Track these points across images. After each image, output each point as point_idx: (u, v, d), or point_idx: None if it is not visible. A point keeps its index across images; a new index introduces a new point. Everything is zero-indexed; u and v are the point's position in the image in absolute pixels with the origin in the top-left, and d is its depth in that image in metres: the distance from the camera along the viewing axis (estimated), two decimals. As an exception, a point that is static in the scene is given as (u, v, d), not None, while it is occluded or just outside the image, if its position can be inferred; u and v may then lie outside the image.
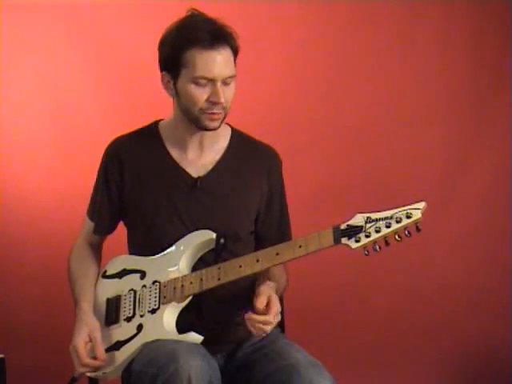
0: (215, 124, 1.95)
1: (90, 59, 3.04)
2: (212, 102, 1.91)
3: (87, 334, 1.96)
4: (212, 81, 1.90)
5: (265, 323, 1.84)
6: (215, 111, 1.92)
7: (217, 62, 1.89)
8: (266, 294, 1.88)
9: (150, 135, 2.07)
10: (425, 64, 3.16)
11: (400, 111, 3.17)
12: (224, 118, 1.97)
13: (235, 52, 1.95)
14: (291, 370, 1.81)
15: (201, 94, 1.90)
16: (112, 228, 2.16)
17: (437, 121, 3.17)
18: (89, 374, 2.02)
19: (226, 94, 1.92)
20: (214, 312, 1.99)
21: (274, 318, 1.85)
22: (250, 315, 1.85)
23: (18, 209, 3.02)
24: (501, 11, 3.13)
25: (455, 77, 3.16)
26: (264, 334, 1.87)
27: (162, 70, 1.97)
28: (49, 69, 3.04)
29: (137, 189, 2.04)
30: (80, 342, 1.95)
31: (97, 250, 2.17)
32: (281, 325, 2.22)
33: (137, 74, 3.02)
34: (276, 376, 1.83)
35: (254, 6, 3.05)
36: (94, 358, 1.95)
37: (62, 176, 3.00)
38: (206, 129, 1.96)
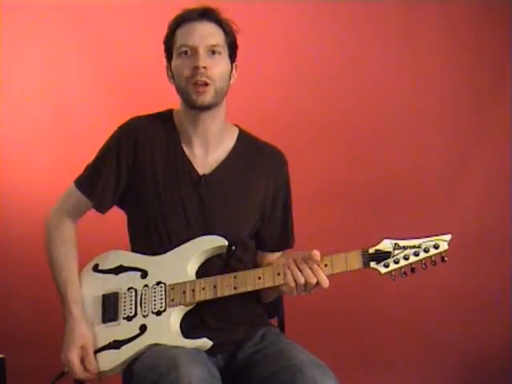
0: (203, 98, 1.94)
1: (91, 59, 3.05)
2: (194, 67, 1.91)
3: (81, 347, 1.96)
4: (195, 49, 1.92)
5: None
6: (198, 78, 1.91)
7: (198, 30, 1.94)
8: None
9: (166, 122, 2.06)
10: (425, 64, 3.16)
11: (401, 111, 3.17)
12: (216, 95, 1.95)
13: (226, 32, 1.97)
14: (295, 370, 1.80)
15: (185, 64, 1.93)
16: (110, 206, 2.10)
17: (437, 121, 3.18)
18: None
19: (210, 63, 1.92)
20: (215, 313, 1.99)
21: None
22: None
23: (17, 209, 3.02)
24: (501, 11, 3.13)
25: (455, 77, 3.16)
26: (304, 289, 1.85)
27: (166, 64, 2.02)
28: (49, 69, 3.04)
29: (146, 173, 2.02)
30: (74, 356, 1.95)
31: (75, 229, 2.13)
32: (281, 325, 2.23)
33: (137, 73, 3.02)
34: (279, 376, 1.83)
35: (254, 6, 3.05)
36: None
37: (62, 176, 2.99)
38: (195, 104, 1.95)
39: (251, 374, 1.91)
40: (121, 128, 2.07)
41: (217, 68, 1.94)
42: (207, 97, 1.94)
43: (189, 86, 1.93)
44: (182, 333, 1.92)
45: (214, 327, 1.99)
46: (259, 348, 1.97)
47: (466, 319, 3.15)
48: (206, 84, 1.93)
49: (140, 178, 2.03)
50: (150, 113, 2.10)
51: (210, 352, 1.90)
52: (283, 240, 2.11)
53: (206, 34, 1.93)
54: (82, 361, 1.95)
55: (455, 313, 3.16)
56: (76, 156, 2.98)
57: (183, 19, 1.95)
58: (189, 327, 1.94)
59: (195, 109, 1.97)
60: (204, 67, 1.91)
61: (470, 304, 3.15)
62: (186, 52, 1.93)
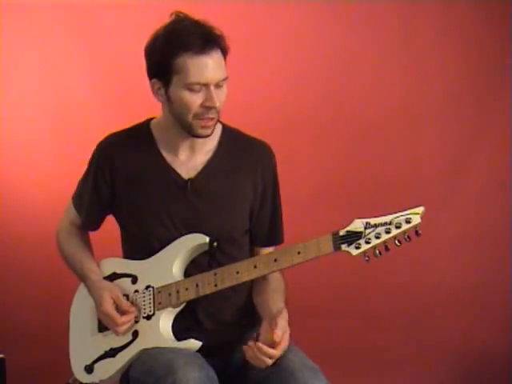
0: (208, 131, 1.93)
1: (90, 59, 3.05)
2: (207, 106, 1.89)
3: (110, 296, 1.97)
4: (205, 85, 1.88)
5: (271, 357, 1.81)
6: (210, 116, 1.90)
7: (209, 66, 1.87)
8: (284, 329, 1.84)
9: (142, 135, 2.05)
10: (425, 64, 3.15)
11: (400, 112, 3.16)
12: (216, 122, 1.95)
13: (225, 53, 1.92)
14: (286, 374, 1.80)
15: (195, 100, 1.88)
16: (101, 223, 2.15)
17: (437, 121, 3.17)
18: (85, 381, 2.02)
19: (220, 97, 1.90)
20: (211, 314, 1.99)
21: (280, 352, 1.82)
22: (258, 345, 1.80)
23: (17, 209, 3.02)
24: (501, 11, 3.12)
25: (455, 77, 3.16)
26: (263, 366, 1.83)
27: (151, 78, 1.95)
28: (49, 69, 3.05)
29: (128, 189, 2.02)
30: (108, 306, 1.95)
31: (85, 233, 2.18)
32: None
33: (137, 73, 2.98)
34: (271, 379, 1.82)
35: (254, 6, 3.05)
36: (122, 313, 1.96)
37: (62, 176, 3.00)
38: (199, 136, 1.94)
39: (246, 376, 1.91)
40: (97, 148, 2.08)
41: (222, 99, 1.91)
42: (212, 129, 1.94)
43: (195, 121, 1.91)
44: (177, 335, 1.92)
45: (210, 329, 1.98)
46: (254, 349, 1.97)
47: (466, 318, 3.14)
48: (213, 118, 1.93)
49: (122, 193, 2.03)
50: (127, 127, 2.09)
51: (205, 354, 1.89)
52: (272, 235, 2.08)
53: (216, 69, 1.88)
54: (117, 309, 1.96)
55: (454, 312, 3.15)
56: (76, 156, 2.99)
57: (185, 47, 1.86)
58: (184, 330, 1.93)
59: (194, 137, 1.96)
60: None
61: (469, 303, 3.14)
62: (196, 88, 1.88)
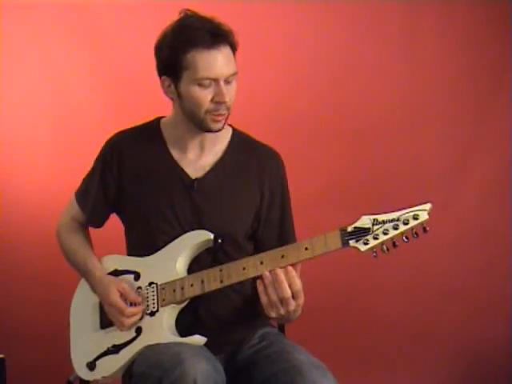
0: (219, 125, 1.94)
1: (91, 59, 3.05)
2: (217, 101, 1.90)
3: (117, 288, 1.96)
4: (215, 80, 1.88)
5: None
6: (221, 112, 1.91)
7: (218, 61, 1.88)
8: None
9: (151, 132, 2.06)
10: (425, 64, 3.16)
11: (400, 111, 3.17)
12: (227, 118, 1.96)
13: (234, 49, 1.93)
14: (294, 372, 1.79)
15: (205, 95, 1.89)
16: (105, 220, 2.15)
17: (437, 121, 3.18)
18: (87, 378, 2.02)
19: (230, 93, 1.91)
20: (213, 312, 1.99)
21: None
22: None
23: (18, 209, 3.02)
24: (501, 11, 3.13)
25: (455, 77, 3.16)
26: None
27: (161, 75, 1.96)
28: (49, 69, 3.04)
29: (135, 185, 2.03)
30: (115, 296, 1.95)
31: (86, 227, 2.18)
32: (281, 325, 2.23)
33: (138, 73, 3.01)
34: (279, 378, 1.81)
35: (253, 6, 3.05)
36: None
37: (62, 176, 3.00)
38: (211, 131, 1.95)
39: (251, 375, 1.90)
40: (106, 144, 2.08)
41: (233, 94, 1.92)
42: (223, 123, 1.94)
43: (207, 117, 1.91)
44: (181, 333, 1.91)
45: (213, 327, 1.97)
46: (259, 348, 1.96)
47: (466, 318, 3.14)
48: (224, 114, 1.93)
49: (128, 190, 2.03)
50: (137, 125, 2.10)
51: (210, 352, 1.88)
52: (282, 241, 2.05)
53: (225, 64, 1.88)
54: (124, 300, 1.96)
55: (455, 312, 3.15)
56: (76, 156, 3.01)
57: (194, 42, 1.86)
58: (187, 327, 1.92)
59: (206, 132, 1.97)
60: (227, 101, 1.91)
61: (469, 303, 3.14)
62: (205, 83, 1.88)
